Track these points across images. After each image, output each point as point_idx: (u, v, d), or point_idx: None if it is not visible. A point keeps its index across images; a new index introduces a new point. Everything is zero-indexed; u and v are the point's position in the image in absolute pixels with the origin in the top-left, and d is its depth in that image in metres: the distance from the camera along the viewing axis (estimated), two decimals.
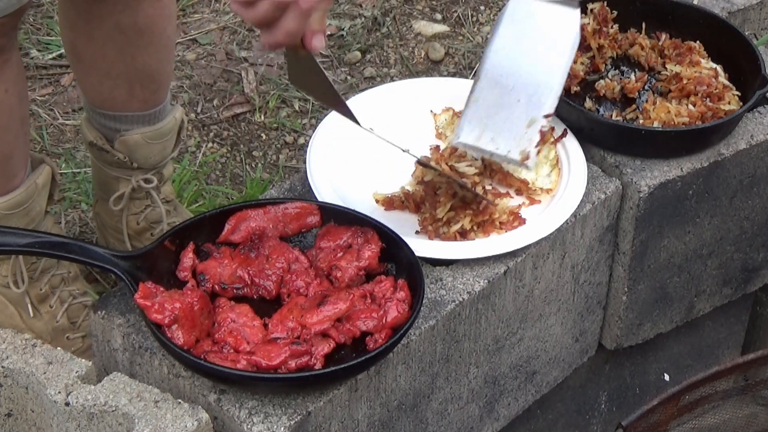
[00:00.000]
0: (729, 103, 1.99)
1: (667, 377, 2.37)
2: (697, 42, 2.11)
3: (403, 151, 1.79)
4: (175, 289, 1.60)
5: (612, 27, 2.10)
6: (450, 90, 2.07)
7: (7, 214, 1.98)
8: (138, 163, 2.21)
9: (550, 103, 1.80)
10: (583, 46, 2.08)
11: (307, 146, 1.90)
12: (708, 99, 1.99)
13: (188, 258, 1.66)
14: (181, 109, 2.25)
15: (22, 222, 2.01)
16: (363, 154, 1.91)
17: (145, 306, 1.54)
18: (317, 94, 1.91)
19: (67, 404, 1.57)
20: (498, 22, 1.84)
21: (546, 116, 1.80)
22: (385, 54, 3.15)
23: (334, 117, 1.92)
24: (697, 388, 1.83)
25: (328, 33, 3.21)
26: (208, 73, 3.08)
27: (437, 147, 1.95)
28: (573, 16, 1.83)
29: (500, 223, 1.82)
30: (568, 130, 1.98)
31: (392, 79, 3.02)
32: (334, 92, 1.68)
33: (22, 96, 1.96)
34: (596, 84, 2.06)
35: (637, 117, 1.99)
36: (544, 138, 1.80)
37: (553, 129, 1.98)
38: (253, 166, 2.84)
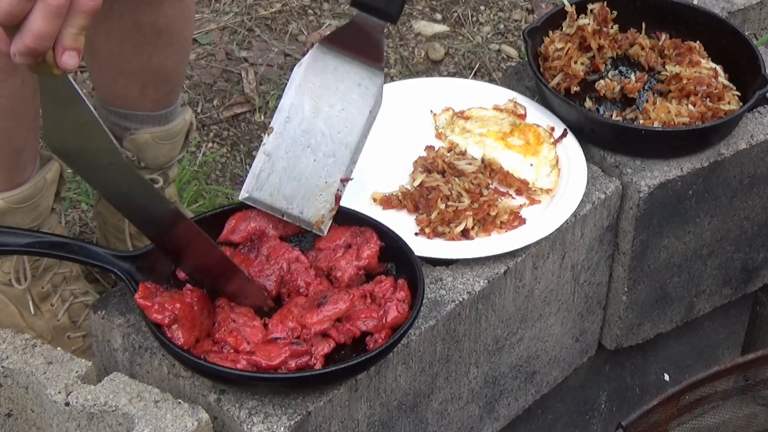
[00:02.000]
0: (729, 103, 1.99)
1: (667, 377, 2.37)
2: (697, 42, 2.11)
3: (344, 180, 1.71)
4: (175, 290, 1.60)
5: (612, 27, 2.11)
6: (450, 90, 2.07)
7: (15, 209, 1.98)
8: (145, 162, 2.21)
9: (347, 167, 1.69)
10: (584, 47, 2.08)
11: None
12: (708, 99, 1.99)
13: None
14: (190, 111, 2.25)
15: (29, 217, 2.01)
16: (361, 153, 1.91)
17: (145, 306, 1.54)
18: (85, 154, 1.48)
19: (67, 404, 1.57)
20: (296, 74, 1.72)
21: (342, 180, 1.70)
22: (385, 54, 3.15)
23: None
24: (697, 388, 1.83)
25: (328, 33, 3.21)
26: (208, 73, 3.08)
27: (432, 147, 1.95)
28: (375, 77, 1.72)
29: (501, 222, 1.82)
30: (568, 130, 1.98)
31: (392, 79, 3.02)
32: (102, 134, 1.44)
33: (35, 90, 1.96)
34: (596, 84, 2.06)
35: (637, 117, 1.99)
36: (338, 201, 1.69)
37: (553, 129, 1.98)
38: None
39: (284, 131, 1.68)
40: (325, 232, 1.67)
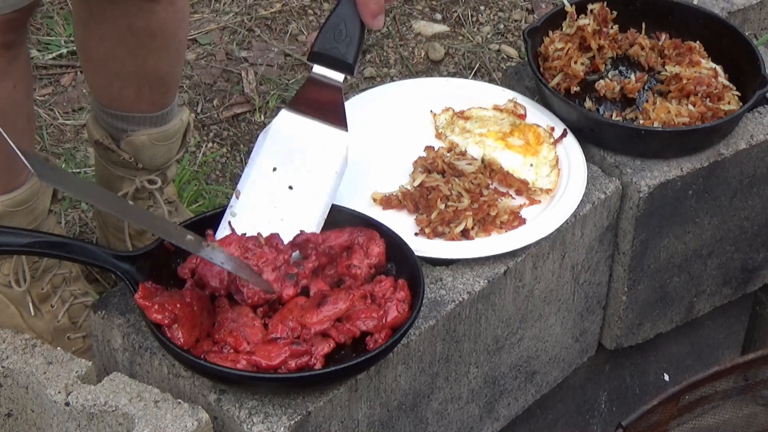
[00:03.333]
0: (729, 103, 1.99)
1: (667, 377, 2.36)
2: (697, 42, 2.11)
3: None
4: (175, 290, 1.60)
5: (612, 27, 2.10)
6: (450, 90, 2.07)
7: (12, 212, 1.98)
8: (143, 163, 2.21)
9: (315, 226, 1.70)
10: (584, 47, 2.08)
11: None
12: (708, 99, 1.99)
13: (194, 259, 1.66)
14: (187, 112, 2.25)
15: (26, 220, 2.01)
16: (361, 153, 1.91)
17: (145, 306, 1.54)
18: None
19: (67, 404, 1.57)
20: (261, 139, 1.75)
21: None
22: (385, 54, 3.15)
23: None
24: (697, 388, 1.83)
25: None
26: (208, 73, 3.08)
27: (432, 147, 1.95)
28: (341, 139, 1.74)
29: (501, 222, 1.82)
30: (568, 130, 1.98)
31: (392, 79, 3.03)
32: None
33: (28, 93, 1.97)
34: (596, 84, 2.06)
35: (637, 117, 1.99)
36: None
37: (552, 129, 1.98)
38: None
39: (251, 193, 1.72)
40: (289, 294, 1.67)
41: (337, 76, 1.74)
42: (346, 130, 1.75)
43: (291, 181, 1.72)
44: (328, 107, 1.75)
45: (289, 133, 1.75)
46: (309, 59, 1.76)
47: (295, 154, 1.74)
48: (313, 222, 1.70)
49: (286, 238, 1.67)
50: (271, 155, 1.74)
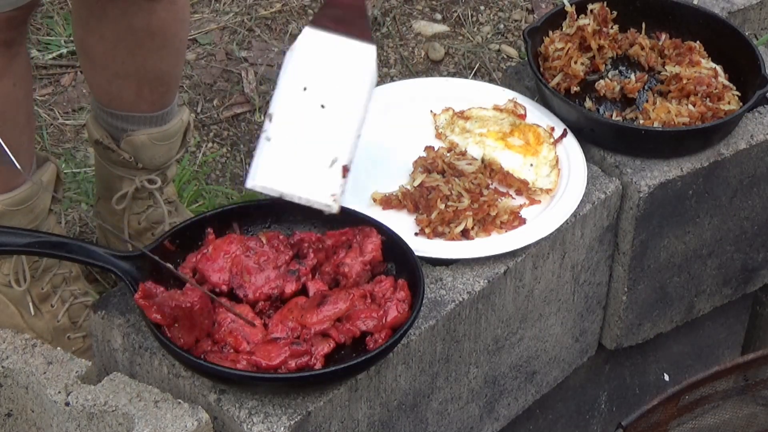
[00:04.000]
0: (729, 103, 1.99)
1: (667, 377, 2.36)
2: (697, 42, 2.11)
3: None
4: (174, 289, 1.60)
5: (612, 27, 2.10)
6: (450, 90, 2.07)
7: (12, 211, 1.98)
8: (143, 163, 2.21)
9: (352, 142, 1.67)
10: (584, 47, 2.08)
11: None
12: (708, 99, 1.99)
13: (194, 257, 1.66)
14: (187, 111, 2.25)
15: (26, 219, 2.01)
16: (361, 153, 1.90)
17: (145, 306, 1.54)
18: None
19: (67, 404, 1.57)
20: (288, 59, 1.71)
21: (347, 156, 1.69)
22: (385, 54, 3.15)
23: None
24: (697, 388, 1.83)
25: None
26: (208, 73, 3.08)
27: (432, 147, 1.94)
28: (369, 53, 1.70)
29: (501, 222, 1.82)
30: (568, 130, 1.98)
31: (392, 79, 3.02)
32: None
33: (28, 91, 1.96)
34: (596, 84, 2.06)
35: (637, 117, 1.99)
36: (346, 174, 1.67)
37: (552, 129, 1.98)
38: None
39: (283, 116, 1.67)
40: (337, 210, 1.66)
41: None
42: (373, 43, 1.71)
43: (322, 100, 1.68)
44: (351, 21, 1.70)
45: (314, 50, 1.70)
46: None
47: (323, 72, 1.69)
48: (348, 140, 1.66)
49: (323, 158, 1.64)
50: (300, 75, 1.69)
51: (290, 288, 1.63)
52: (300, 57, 1.70)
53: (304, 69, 1.69)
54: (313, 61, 1.70)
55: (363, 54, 1.70)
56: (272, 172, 1.64)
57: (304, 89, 1.68)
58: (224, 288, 1.64)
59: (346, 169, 1.63)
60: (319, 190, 1.63)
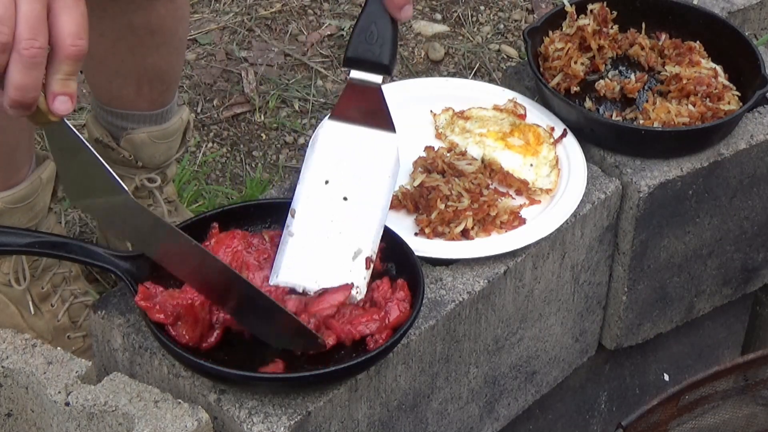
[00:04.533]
0: (729, 103, 1.99)
1: (667, 377, 2.37)
2: (697, 42, 2.11)
3: None
4: (173, 288, 1.59)
5: (612, 27, 2.10)
6: (450, 90, 2.07)
7: (11, 208, 1.98)
8: (143, 162, 2.21)
9: (373, 234, 1.67)
10: (584, 47, 2.08)
11: (308, 146, 1.90)
12: (708, 99, 1.99)
13: None
14: (187, 110, 2.25)
15: (26, 217, 2.01)
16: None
17: (146, 308, 1.54)
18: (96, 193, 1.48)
19: (67, 404, 1.57)
20: (309, 153, 1.72)
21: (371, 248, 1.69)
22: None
23: None
24: (697, 388, 1.83)
25: (329, 33, 3.21)
26: (208, 73, 3.08)
27: (431, 147, 1.94)
28: (390, 141, 1.71)
29: (501, 222, 1.82)
30: (568, 130, 1.98)
31: (392, 79, 3.03)
32: (108, 179, 1.42)
33: None
34: (596, 84, 2.06)
35: (637, 117, 1.99)
36: (369, 266, 1.67)
37: (552, 129, 1.98)
38: (253, 166, 2.84)
39: (306, 210, 1.68)
40: (358, 300, 1.66)
41: (375, 78, 1.70)
42: (394, 132, 1.72)
43: (345, 192, 1.69)
44: (371, 111, 1.71)
45: (335, 143, 1.71)
46: (344, 65, 1.72)
47: (345, 164, 1.70)
48: (371, 231, 1.67)
49: (347, 251, 1.65)
50: (322, 168, 1.70)
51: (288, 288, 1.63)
52: (321, 150, 1.71)
53: (326, 162, 1.70)
54: (334, 154, 1.71)
55: (384, 143, 1.71)
56: (295, 268, 1.65)
57: (326, 182, 1.70)
58: None
59: (369, 261, 1.65)
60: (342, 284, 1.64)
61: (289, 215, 1.68)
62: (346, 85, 1.72)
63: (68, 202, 2.63)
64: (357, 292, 1.63)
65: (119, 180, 1.43)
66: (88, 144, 1.41)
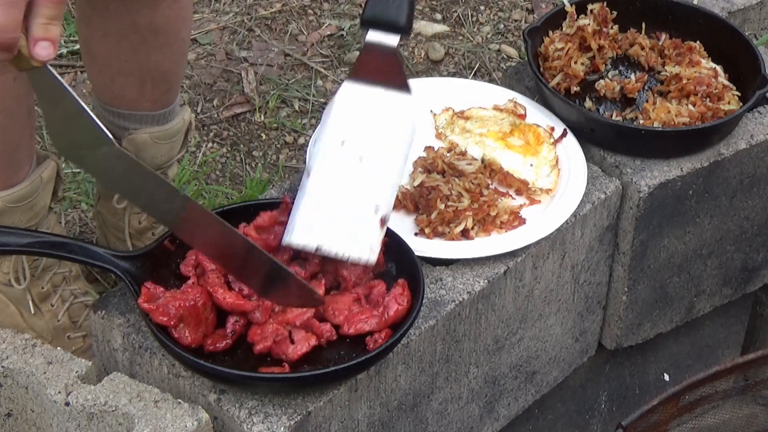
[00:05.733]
0: (729, 103, 1.99)
1: (667, 377, 2.37)
2: (697, 42, 2.11)
3: None
4: (175, 289, 1.60)
5: (612, 27, 2.11)
6: (450, 90, 2.07)
7: (12, 208, 1.98)
8: (145, 162, 2.22)
9: (389, 195, 1.66)
10: (584, 47, 2.08)
11: (307, 146, 1.90)
12: (708, 99, 1.99)
13: (194, 254, 1.66)
14: (189, 111, 2.25)
15: (26, 217, 2.01)
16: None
17: (149, 310, 1.54)
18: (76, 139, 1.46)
19: (67, 404, 1.57)
20: (327, 114, 1.71)
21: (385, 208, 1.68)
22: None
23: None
24: (697, 388, 1.83)
25: (329, 33, 3.21)
26: (208, 73, 3.08)
27: (431, 147, 1.94)
28: (406, 103, 1.70)
29: (501, 222, 1.82)
30: (568, 130, 1.98)
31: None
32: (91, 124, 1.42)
33: (29, 88, 1.96)
34: (596, 84, 2.06)
35: (637, 117, 1.99)
36: (383, 226, 1.66)
37: (553, 129, 1.98)
38: (253, 166, 2.84)
39: (321, 170, 1.67)
40: (374, 262, 1.65)
41: (392, 40, 1.69)
42: (410, 93, 1.70)
43: (361, 153, 1.67)
44: (387, 72, 1.70)
45: (352, 104, 1.70)
46: (361, 25, 1.72)
47: (361, 125, 1.69)
48: (387, 192, 1.65)
49: (362, 212, 1.64)
50: (338, 129, 1.69)
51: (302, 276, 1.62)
52: (338, 111, 1.70)
53: (342, 122, 1.69)
54: (350, 115, 1.70)
55: (401, 104, 1.70)
56: (310, 228, 1.63)
57: (342, 143, 1.68)
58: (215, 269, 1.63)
59: (384, 222, 1.63)
60: (357, 244, 1.63)
61: (304, 174, 1.67)
62: (363, 46, 1.71)
63: (68, 202, 2.63)
64: (372, 253, 1.61)
65: (105, 129, 1.42)
66: (72, 92, 1.41)
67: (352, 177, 1.66)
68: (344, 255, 1.62)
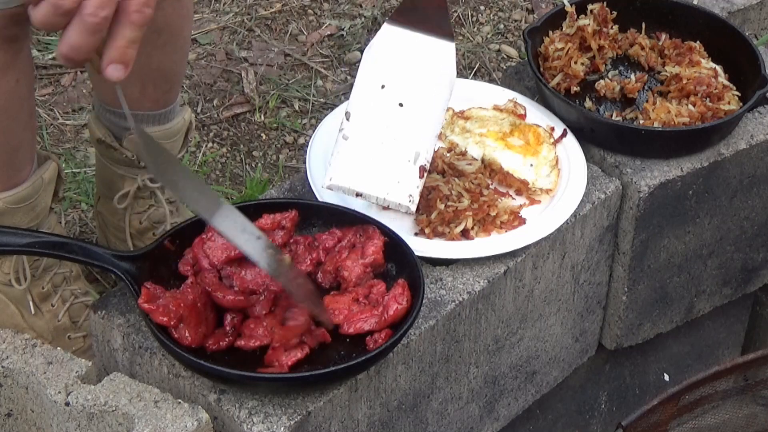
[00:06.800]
0: (729, 103, 1.99)
1: (667, 377, 2.37)
2: (697, 42, 2.11)
3: None
4: (175, 289, 1.60)
5: (612, 27, 2.11)
6: None
7: (13, 209, 1.98)
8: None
9: (429, 143, 1.65)
10: (584, 47, 2.08)
11: (307, 146, 1.90)
12: (708, 99, 1.99)
13: (190, 253, 1.66)
14: (189, 110, 2.25)
15: (27, 218, 2.01)
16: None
17: (150, 310, 1.54)
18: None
19: (67, 404, 1.57)
20: (366, 56, 1.68)
21: (425, 156, 1.67)
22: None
23: (334, 117, 1.91)
24: (697, 388, 1.83)
25: (329, 33, 3.21)
26: (208, 73, 3.08)
27: None
28: (448, 50, 1.68)
29: (501, 222, 1.82)
30: (568, 130, 1.98)
31: None
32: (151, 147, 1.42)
33: (30, 88, 1.97)
34: (596, 84, 2.06)
35: (637, 117, 2.00)
36: (423, 174, 1.65)
37: (553, 129, 1.98)
38: (253, 166, 2.84)
39: (361, 114, 1.65)
40: (413, 210, 1.63)
41: None
42: (452, 41, 1.68)
43: (401, 98, 1.65)
44: (430, 17, 1.67)
45: (393, 47, 1.67)
46: None
47: (401, 70, 1.66)
48: (427, 139, 1.62)
49: (402, 157, 1.61)
50: (378, 72, 1.66)
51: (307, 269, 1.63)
52: (378, 54, 1.67)
53: (382, 66, 1.67)
54: (391, 59, 1.67)
55: (442, 51, 1.67)
56: (349, 171, 1.61)
57: (382, 87, 1.66)
58: (210, 267, 1.63)
59: (423, 170, 1.61)
60: (396, 191, 1.61)
61: (344, 117, 1.64)
62: None
63: (68, 202, 2.63)
64: (411, 201, 1.59)
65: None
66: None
67: (393, 123, 1.64)
68: (385, 200, 1.60)
